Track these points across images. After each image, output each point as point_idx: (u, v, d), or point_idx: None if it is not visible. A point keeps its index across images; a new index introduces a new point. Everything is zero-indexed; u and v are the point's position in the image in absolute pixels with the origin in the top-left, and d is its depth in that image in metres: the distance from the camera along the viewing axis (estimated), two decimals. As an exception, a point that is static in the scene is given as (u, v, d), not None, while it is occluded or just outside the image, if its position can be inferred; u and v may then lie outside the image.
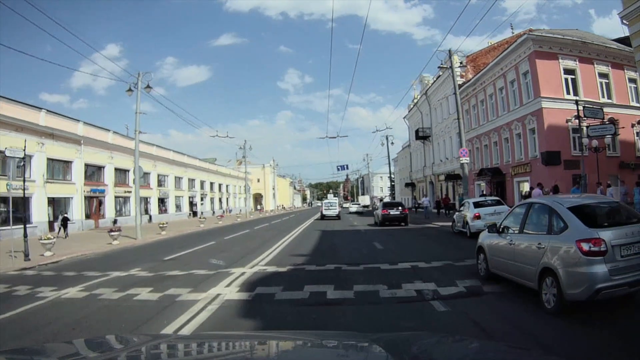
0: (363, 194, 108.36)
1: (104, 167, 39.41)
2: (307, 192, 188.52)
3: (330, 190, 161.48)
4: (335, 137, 30.38)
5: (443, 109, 44.37)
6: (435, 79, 46.04)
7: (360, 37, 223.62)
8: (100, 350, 2.43)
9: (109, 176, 39.73)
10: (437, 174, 47.72)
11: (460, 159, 23.71)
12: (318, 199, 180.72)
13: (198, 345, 2.60)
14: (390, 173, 52.14)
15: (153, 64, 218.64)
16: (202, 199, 62.25)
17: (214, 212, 64.87)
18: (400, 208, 29.91)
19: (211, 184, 66.45)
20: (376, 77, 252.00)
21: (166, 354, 2.34)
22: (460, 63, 24.81)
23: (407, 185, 62.27)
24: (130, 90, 26.67)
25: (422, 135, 50.00)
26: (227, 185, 74.41)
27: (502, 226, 8.23)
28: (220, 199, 71.00)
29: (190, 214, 55.28)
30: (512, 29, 48.20)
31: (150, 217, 45.53)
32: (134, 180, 42.50)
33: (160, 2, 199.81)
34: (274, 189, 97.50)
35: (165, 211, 49.93)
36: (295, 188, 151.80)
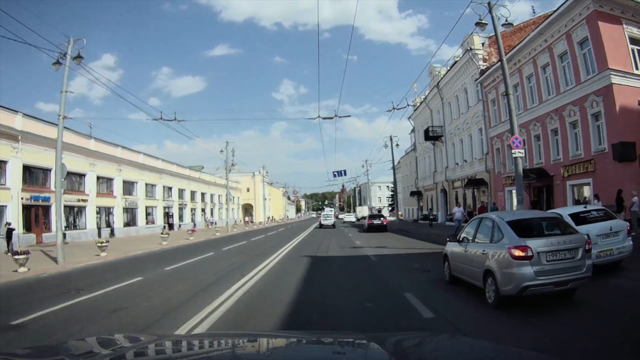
0: (360, 205, 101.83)
1: (49, 170, 32.04)
2: (302, 203, 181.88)
3: (326, 202, 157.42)
4: (332, 118, 23.32)
5: (460, 102, 37.41)
6: (449, 68, 39.12)
7: (355, 48, 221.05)
8: (102, 350, 2.32)
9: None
10: (451, 180, 40.54)
11: (513, 151, 16.57)
12: (313, 210, 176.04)
13: (199, 344, 2.56)
14: (394, 180, 44.90)
15: (148, 74, 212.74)
16: (181, 210, 54.81)
17: (195, 225, 57.66)
18: (381, 219, 38.23)
19: (192, 192, 58.97)
20: (371, 88, 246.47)
21: (168, 353, 2.36)
22: (506, 20, 17.78)
23: (412, 194, 55.14)
24: (57, 63, 20.10)
25: (432, 135, 42.87)
26: (211, 195, 66.85)
27: (461, 236, 9.59)
28: (203, 210, 63.55)
29: (165, 226, 47.81)
30: (534, 11, 41.60)
31: (113, 230, 38.18)
32: (83, 182, 36.08)
33: (156, 13, 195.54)
34: (265, 199, 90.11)
35: (134, 223, 42.53)
36: (289, 198, 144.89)
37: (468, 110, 35.52)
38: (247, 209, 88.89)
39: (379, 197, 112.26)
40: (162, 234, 27.74)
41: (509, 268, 7.22)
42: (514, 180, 27.10)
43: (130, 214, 42.41)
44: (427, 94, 46.65)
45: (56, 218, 19.64)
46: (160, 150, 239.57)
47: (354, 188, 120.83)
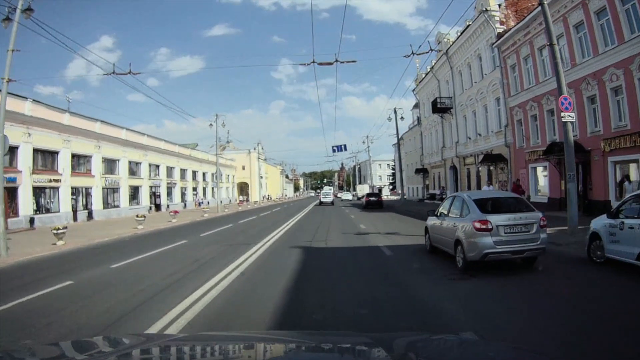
0: (360, 183, 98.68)
1: (16, 148, 28.56)
2: (301, 181, 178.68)
3: (325, 180, 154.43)
4: (331, 64, 18.52)
5: (473, 70, 33.73)
6: (459, 34, 35.35)
7: (354, 28, 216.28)
8: (95, 350, 2.31)
9: (24, 159, 28.91)
10: (463, 156, 37.06)
11: (563, 114, 13.24)
12: (312, 189, 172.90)
13: (195, 345, 2.45)
14: (399, 155, 41.31)
15: (147, 55, 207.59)
16: (170, 189, 51.38)
17: (185, 205, 54.38)
18: (377, 197, 42.85)
19: (182, 171, 55.44)
20: (370, 67, 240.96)
21: (163, 354, 2.28)
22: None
23: (417, 171, 51.69)
24: (7, 19, 17.10)
25: (440, 107, 39.19)
26: (204, 173, 63.23)
27: (439, 212, 11.13)
28: (195, 189, 60.08)
29: (151, 207, 44.55)
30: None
31: (91, 212, 34.85)
32: (56, 161, 32.19)
33: None
34: (261, 177, 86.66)
35: (115, 205, 39.14)
36: (287, 177, 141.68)
37: (482, 78, 31.88)
38: (243, 188, 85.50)
39: (380, 176, 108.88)
40: (137, 216, 24.41)
41: (473, 238, 8.66)
42: (540, 155, 23.80)
43: (111, 194, 38.96)
44: (433, 63, 42.83)
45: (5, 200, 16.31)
46: (159, 130, 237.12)
47: (354, 166, 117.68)
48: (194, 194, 59.10)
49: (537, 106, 24.79)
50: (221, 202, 58.28)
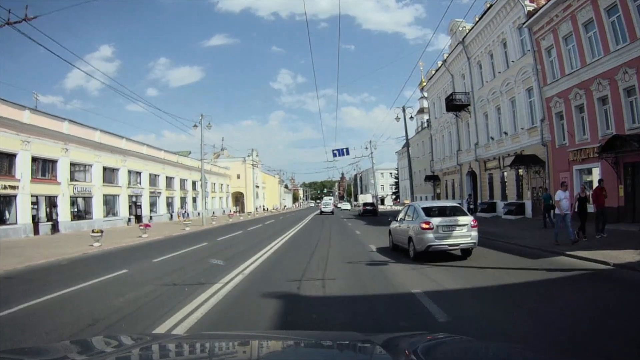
0: (362, 193, 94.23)
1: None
2: (300, 192, 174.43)
3: (325, 190, 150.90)
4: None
5: (496, 59, 29.19)
6: (479, 17, 30.93)
7: (352, 38, 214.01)
8: (100, 350, 2.33)
9: (-29, 163, 24.38)
10: (483, 159, 32.37)
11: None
12: (312, 199, 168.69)
13: (198, 345, 2.47)
14: (408, 159, 36.51)
15: (146, 65, 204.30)
16: (154, 199, 46.70)
17: (171, 217, 49.74)
18: (372, 206, 51.44)
19: (169, 179, 50.83)
20: (369, 77, 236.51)
21: (166, 353, 2.28)
22: None
23: (427, 178, 47.09)
24: None
25: (456, 105, 34.56)
26: (193, 182, 58.34)
27: (399, 218, 13.99)
28: (184, 198, 55.38)
29: (130, 218, 39.85)
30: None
31: (56, 224, 30.18)
32: (13, 165, 27.02)
33: (152, 3, 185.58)
34: (257, 187, 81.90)
35: (88, 216, 34.43)
36: (287, 187, 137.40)
37: (508, 67, 27.36)
38: (238, 198, 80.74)
39: (382, 185, 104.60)
40: (93, 232, 19.76)
41: (420, 234, 11.51)
42: (594, 153, 19.09)
43: (82, 204, 34.29)
44: (445, 56, 38.31)
45: None
46: (159, 140, 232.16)
47: (355, 175, 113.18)
48: (183, 204, 54.40)
49: (585, 94, 20.17)
50: (213, 213, 53.83)
